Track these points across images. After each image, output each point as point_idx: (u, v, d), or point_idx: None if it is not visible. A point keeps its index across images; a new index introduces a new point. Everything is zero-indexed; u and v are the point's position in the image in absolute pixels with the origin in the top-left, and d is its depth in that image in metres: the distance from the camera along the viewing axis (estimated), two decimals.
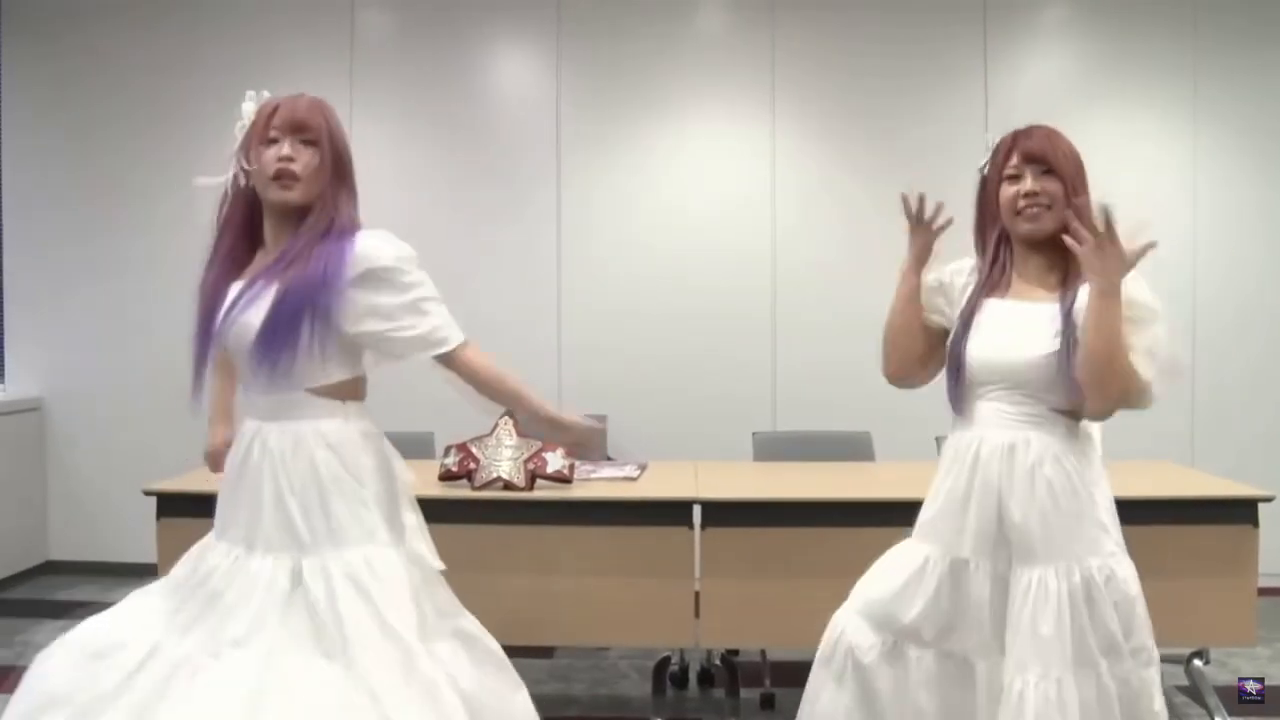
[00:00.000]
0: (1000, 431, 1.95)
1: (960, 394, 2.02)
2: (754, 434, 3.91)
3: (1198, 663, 3.08)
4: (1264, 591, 2.95)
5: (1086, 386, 1.84)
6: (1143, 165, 4.62)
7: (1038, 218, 1.94)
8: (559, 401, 4.63)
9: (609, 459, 3.87)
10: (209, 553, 1.90)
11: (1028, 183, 1.94)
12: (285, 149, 1.82)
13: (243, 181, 1.87)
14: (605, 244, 4.73)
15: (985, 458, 1.95)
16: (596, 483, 3.17)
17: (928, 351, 2.12)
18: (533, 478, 3.01)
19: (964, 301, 2.04)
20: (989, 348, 1.96)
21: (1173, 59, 4.61)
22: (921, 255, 2.08)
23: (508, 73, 4.84)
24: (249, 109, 1.88)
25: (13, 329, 4.93)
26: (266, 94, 1.89)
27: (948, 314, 2.09)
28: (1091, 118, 4.59)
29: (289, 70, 4.78)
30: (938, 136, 4.52)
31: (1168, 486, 3.10)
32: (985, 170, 2.04)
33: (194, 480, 3.26)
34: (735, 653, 3.42)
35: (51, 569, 4.86)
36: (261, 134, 1.84)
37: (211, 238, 1.94)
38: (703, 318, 4.68)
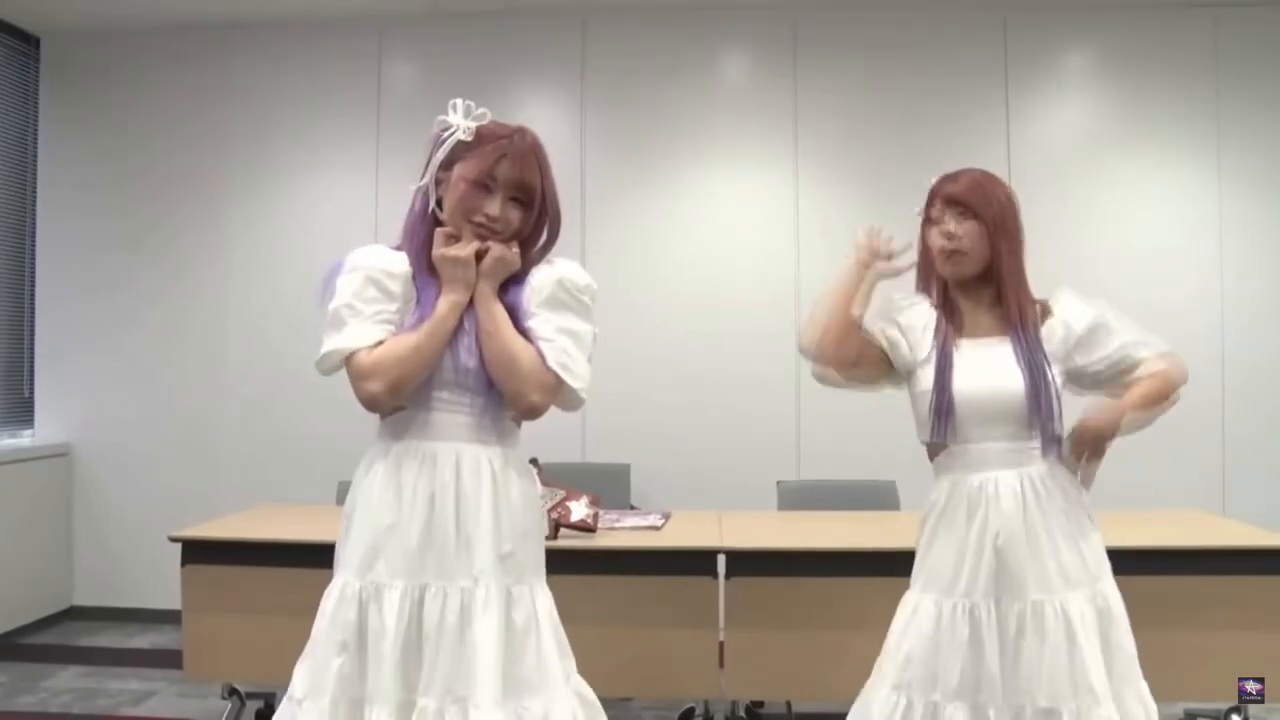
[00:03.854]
0: (1012, 472, 1.94)
1: (951, 437, 1.98)
2: (778, 483, 3.89)
3: (1236, 719, 3.00)
4: None
5: None
6: (1168, 210, 4.62)
7: (957, 261, 1.99)
8: (583, 451, 4.64)
9: (633, 508, 3.85)
10: None
11: (948, 226, 2.00)
12: None
13: None
14: (629, 294, 4.73)
15: (1004, 496, 1.93)
16: (620, 532, 3.16)
17: (857, 356, 2.10)
18: (556, 527, 2.99)
19: (929, 341, 2.02)
20: (980, 386, 1.95)
21: (1196, 105, 4.61)
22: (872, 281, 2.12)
23: (532, 126, 4.87)
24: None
25: (43, 376, 5.00)
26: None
27: (894, 340, 2.07)
28: (1115, 165, 4.60)
29: (318, 125, 4.89)
30: None
31: (1201, 536, 3.05)
32: (921, 215, 2.10)
33: (219, 527, 3.28)
34: (760, 704, 3.36)
35: (75, 614, 4.86)
36: None
37: None
38: (726, 366, 4.68)
